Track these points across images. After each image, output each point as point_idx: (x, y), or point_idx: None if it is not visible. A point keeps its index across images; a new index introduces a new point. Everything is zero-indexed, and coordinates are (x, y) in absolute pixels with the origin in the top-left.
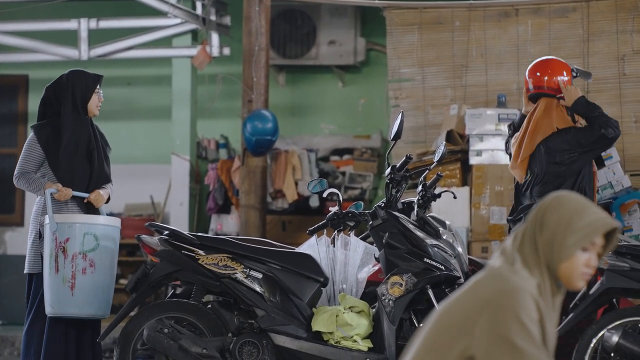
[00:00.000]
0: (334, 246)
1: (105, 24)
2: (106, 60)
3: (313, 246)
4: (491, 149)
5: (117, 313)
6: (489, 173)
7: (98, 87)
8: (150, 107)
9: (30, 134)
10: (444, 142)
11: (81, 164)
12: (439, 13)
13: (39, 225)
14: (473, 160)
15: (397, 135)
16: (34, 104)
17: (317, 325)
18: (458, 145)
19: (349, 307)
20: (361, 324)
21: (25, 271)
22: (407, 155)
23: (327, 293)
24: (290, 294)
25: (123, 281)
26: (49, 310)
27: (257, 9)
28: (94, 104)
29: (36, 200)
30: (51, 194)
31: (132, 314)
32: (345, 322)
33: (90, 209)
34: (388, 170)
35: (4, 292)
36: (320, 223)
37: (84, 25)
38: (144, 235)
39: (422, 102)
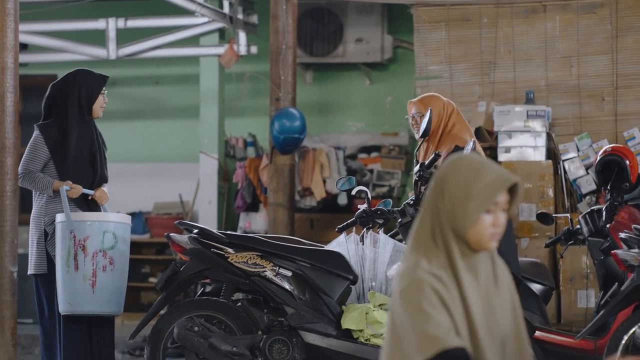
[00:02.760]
0: (363, 244)
1: (133, 23)
2: (134, 60)
3: (342, 244)
4: (520, 145)
5: (147, 311)
6: (518, 170)
7: (104, 88)
8: (178, 106)
9: (35, 133)
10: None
11: (85, 165)
12: (466, 10)
13: (44, 225)
14: (502, 157)
15: (426, 133)
16: None
17: (347, 322)
18: (486, 142)
19: (379, 305)
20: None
21: (30, 272)
22: (435, 153)
23: (356, 291)
24: (319, 292)
25: (153, 279)
26: (64, 308)
27: (284, 7)
28: (99, 105)
29: (35, 200)
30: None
31: (162, 312)
32: (375, 319)
33: (91, 208)
34: (416, 168)
35: (33, 291)
36: (349, 221)
37: (112, 25)
38: (173, 234)
39: (450, 99)
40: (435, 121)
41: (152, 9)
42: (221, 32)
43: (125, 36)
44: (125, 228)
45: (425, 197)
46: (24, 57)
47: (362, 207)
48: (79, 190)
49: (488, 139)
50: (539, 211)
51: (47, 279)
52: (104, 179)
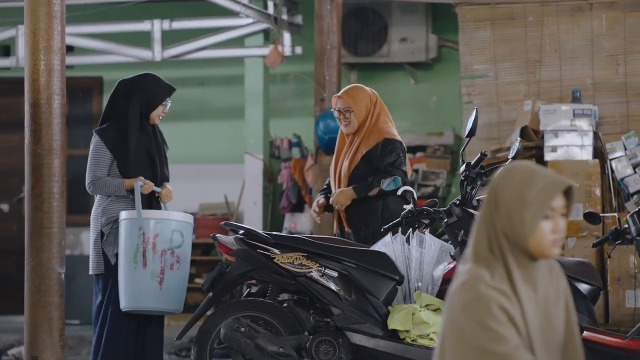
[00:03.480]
0: (408, 244)
1: (178, 24)
2: (179, 61)
3: (388, 244)
4: (566, 144)
5: (194, 312)
6: (565, 169)
7: (168, 99)
8: (223, 107)
9: (95, 139)
10: (519, 138)
11: (144, 166)
12: (511, 8)
13: (100, 226)
14: (548, 156)
15: (472, 132)
16: None
17: (393, 323)
18: (532, 142)
19: (425, 305)
20: (437, 322)
21: (91, 272)
22: (481, 152)
23: (402, 291)
24: (365, 293)
25: (199, 280)
26: (129, 304)
27: (329, 7)
28: (157, 114)
29: (96, 202)
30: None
31: (208, 313)
32: (422, 320)
33: (152, 207)
34: (463, 168)
35: (80, 292)
36: (395, 221)
37: (157, 27)
38: (219, 235)
39: (495, 99)
40: (363, 114)
41: (197, 10)
42: (266, 33)
43: (171, 37)
44: (189, 228)
45: (479, 209)
46: (69, 60)
47: (408, 207)
48: (151, 186)
49: (534, 138)
50: (586, 211)
51: (104, 279)
52: (165, 178)
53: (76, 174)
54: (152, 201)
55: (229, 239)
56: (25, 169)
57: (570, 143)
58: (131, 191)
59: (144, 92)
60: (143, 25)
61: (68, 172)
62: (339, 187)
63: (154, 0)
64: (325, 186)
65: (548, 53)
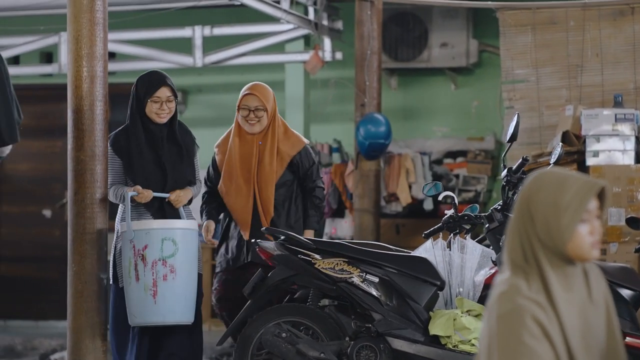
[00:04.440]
0: (450, 249)
1: (219, 31)
2: (220, 67)
3: (429, 250)
4: (608, 149)
5: (235, 317)
6: (607, 174)
7: (159, 94)
8: None
9: (109, 144)
10: (560, 143)
11: (153, 168)
12: (552, 13)
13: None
14: (590, 161)
15: (513, 137)
16: None
17: (435, 329)
18: (574, 147)
19: (467, 311)
20: (478, 328)
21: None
22: (523, 157)
23: (443, 297)
24: (407, 298)
25: None
26: (132, 320)
27: (369, 12)
28: (152, 110)
29: (118, 212)
30: (133, 197)
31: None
32: (463, 325)
33: (168, 213)
34: (504, 173)
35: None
36: (436, 226)
37: (198, 33)
38: (260, 240)
39: (536, 103)
40: (272, 114)
41: (238, 16)
42: (306, 39)
43: (212, 44)
44: (189, 234)
45: (511, 219)
46: (111, 66)
47: (449, 212)
48: (148, 194)
49: (575, 143)
50: (629, 215)
51: (115, 288)
52: (182, 181)
53: None
54: (164, 208)
55: (270, 245)
56: (67, 175)
57: (612, 148)
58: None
59: (137, 88)
60: (184, 32)
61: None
62: (261, 193)
63: (195, 7)
64: (205, 195)
65: (590, 57)
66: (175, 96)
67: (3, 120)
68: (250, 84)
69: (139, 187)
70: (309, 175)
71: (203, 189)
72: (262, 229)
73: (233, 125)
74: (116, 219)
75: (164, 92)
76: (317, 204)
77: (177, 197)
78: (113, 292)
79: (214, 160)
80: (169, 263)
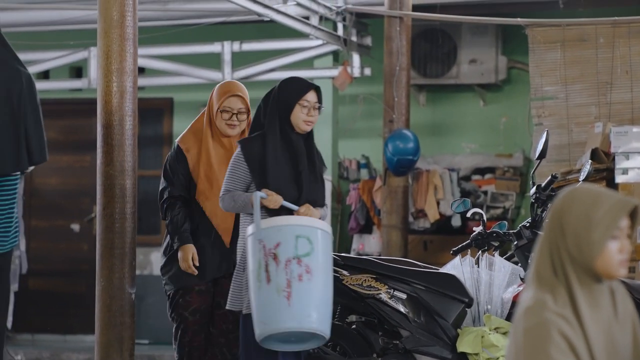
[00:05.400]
0: (478, 266)
1: (248, 46)
2: (249, 82)
3: (457, 266)
4: (637, 167)
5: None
6: (636, 191)
7: (308, 98)
8: None
9: (237, 150)
10: (589, 160)
11: (287, 182)
12: (582, 30)
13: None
14: (619, 178)
15: (542, 154)
16: (178, 126)
17: (462, 346)
18: (603, 164)
19: (495, 328)
20: (506, 345)
21: (235, 308)
22: (552, 175)
23: (471, 314)
24: (434, 315)
25: None
26: (259, 331)
27: (398, 29)
28: (298, 117)
29: (241, 223)
30: (260, 199)
31: None
32: (491, 343)
33: None
34: (533, 190)
35: (150, 311)
36: (464, 243)
37: (227, 48)
38: None
39: (565, 120)
40: (249, 118)
41: (267, 32)
42: (335, 55)
43: (241, 59)
44: (324, 235)
45: (542, 233)
46: (141, 81)
47: (478, 229)
48: (278, 200)
49: (605, 160)
50: None
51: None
52: (314, 202)
53: (146, 195)
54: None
55: None
56: (97, 190)
57: None
58: (265, 210)
59: (279, 91)
60: (213, 47)
61: (138, 192)
62: None
63: (224, 22)
64: (168, 200)
65: (619, 75)
66: (321, 104)
67: (35, 140)
68: (227, 82)
69: (268, 190)
70: None
71: (166, 194)
72: None
73: (204, 125)
74: (241, 237)
75: (312, 97)
76: None
77: (307, 211)
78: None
79: (183, 162)
80: (304, 262)
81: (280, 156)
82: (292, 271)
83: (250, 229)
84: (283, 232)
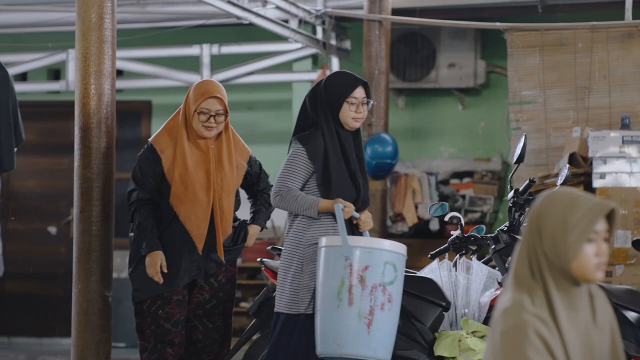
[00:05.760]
0: (455, 270)
1: (227, 49)
2: (228, 85)
3: (435, 270)
4: (615, 171)
5: (240, 336)
6: (613, 196)
7: (356, 95)
8: (271, 131)
9: (295, 146)
10: (567, 165)
11: (348, 183)
12: (560, 35)
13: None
14: (596, 183)
15: (520, 159)
16: (157, 129)
17: (440, 350)
18: (581, 168)
19: (472, 332)
20: (484, 349)
21: (283, 311)
22: (530, 179)
23: (449, 317)
24: (412, 318)
25: (244, 304)
26: (328, 349)
27: (377, 32)
28: (347, 114)
29: (291, 227)
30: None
31: (254, 337)
32: (468, 347)
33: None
34: (511, 194)
35: (126, 315)
36: (442, 247)
37: (206, 51)
38: (266, 259)
39: (543, 125)
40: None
41: (246, 35)
42: (314, 58)
43: (219, 62)
44: (401, 260)
45: (521, 236)
46: (119, 84)
47: (455, 233)
48: (351, 209)
49: (582, 164)
50: (635, 238)
51: (306, 319)
52: (366, 202)
53: (124, 197)
54: (352, 230)
55: (275, 263)
56: (74, 192)
57: (619, 170)
58: (325, 214)
59: (326, 88)
60: (192, 50)
61: (116, 195)
62: (221, 202)
63: (204, 25)
64: (136, 203)
65: (597, 79)
66: (370, 98)
67: (3, 148)
68: (205, 82)
69: (341, 200)
70: (262, 178)
71: (134, 196)
72: (267, 248)
73: (179, 125)
74: (292, 237)
75: (360, 93)
76: (269, 202)
77: (367, 219)
78: (299, 324)
79: (157, 163)
80: (387, 290)
81: (340, 155)
82: (377, 299)
83: (327, 240)
84: (373, 256)
